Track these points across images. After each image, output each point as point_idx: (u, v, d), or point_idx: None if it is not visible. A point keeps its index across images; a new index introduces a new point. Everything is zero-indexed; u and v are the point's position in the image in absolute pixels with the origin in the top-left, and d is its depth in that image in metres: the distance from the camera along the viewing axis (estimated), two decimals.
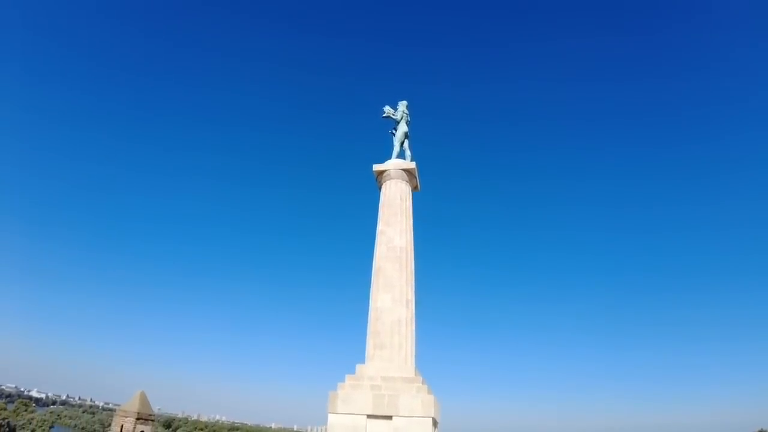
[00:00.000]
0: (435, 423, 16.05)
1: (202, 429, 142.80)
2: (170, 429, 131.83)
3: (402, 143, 21.08)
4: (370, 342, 17.39)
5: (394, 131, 21.39)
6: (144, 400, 26.39)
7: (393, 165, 20.20)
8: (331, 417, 15.74)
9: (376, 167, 20.44)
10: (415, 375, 16.53)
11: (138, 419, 25.45)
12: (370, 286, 18.49)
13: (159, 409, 31.60)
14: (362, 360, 17.63)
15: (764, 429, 46.70)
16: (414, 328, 17.80)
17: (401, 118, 21.36)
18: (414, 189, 20.91)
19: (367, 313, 18.08)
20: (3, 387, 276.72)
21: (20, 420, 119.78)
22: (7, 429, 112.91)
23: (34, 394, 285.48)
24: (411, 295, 18.13)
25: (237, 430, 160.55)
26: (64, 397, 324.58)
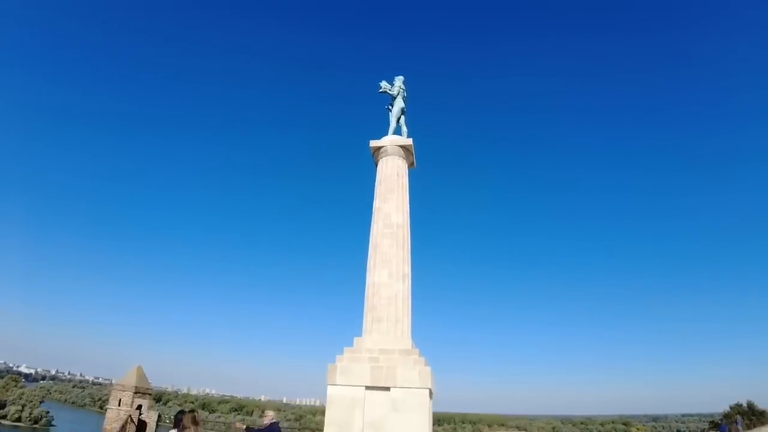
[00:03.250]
0: (431, 394, 16.53)
1: (192, 402, 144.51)
2: (160, 402, 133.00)
3: (398, 119, 20.98)
4: (367, 316, 17.66)
5: (390, 107, 21.25)
6: (141, 375, 26.58)
7: (390, 141, 20.15)
8: (330, 389, 16.06)
9: (373, 143, 20.37)
10: (412, 348, 16.90)
11: (136, 393, 25.69)
12: (366, 263, 18.68)
13: (150, 383, 32.31)
14: (357, 335, 17.91)
15: (740, 403, 48.46)
16: (410, 302, 18.12)
17: (398, 94, 21.19)
18: (410, 166, 20.93)
19: (365, 289, 18.32)
20: None
21: (10, 396, 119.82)
22: None
23: (23, 369, 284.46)
24: (407, 271, 18.38)
25: (226, 402, 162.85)
26: (53, 372, 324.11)
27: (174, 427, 8.68)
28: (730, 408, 48.48)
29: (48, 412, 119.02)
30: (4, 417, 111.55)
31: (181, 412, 9.15)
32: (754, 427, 40.93)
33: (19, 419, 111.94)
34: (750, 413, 45.66)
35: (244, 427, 11.24)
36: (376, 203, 19.37)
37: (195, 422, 7.57)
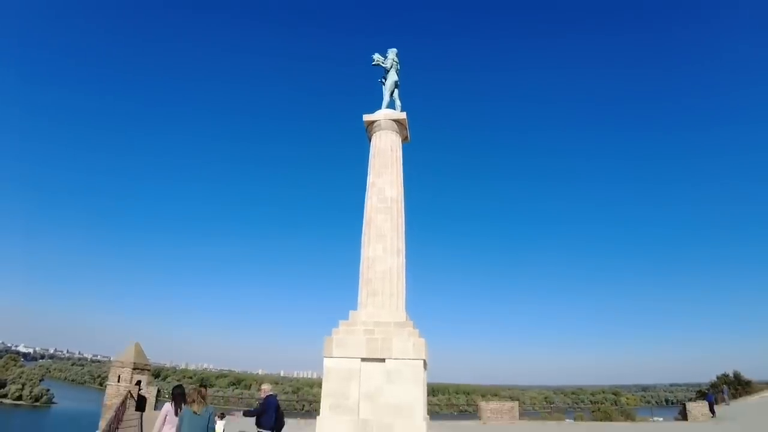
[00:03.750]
0: (425, 364, 16.83)
1: (190, 377, 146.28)
2: (159, 378, 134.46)
3: (392, 93, 20.66)
4: (362, 290, 17.79)
5: (383, 80, 20.91)
6: (139, 351, 26.85)
7: (383, 115, 19.92)
8: (326, 361, 16.29)
9: (367, 118, 20.12)
10: (406, 320, 17.12)
11: (134, 369, 25.98)
12: (361, 237, 18.72)
13: (148, 359, 32.43)
14: (352, 308, 18.06)
15: (726, 373, 49.47)
16: (405, 276, 18.27)
17: (391, 67, 20.83)
18: (404, 140, 20.76)
19: (359, 264, 18.42)
20: None
21: (9, 375, 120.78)
22: None
23: (21, 349, 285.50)
24: (402, 245, 18.46)
25: (225, 377, 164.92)
26: (51, 351, 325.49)
27: (172, 401, 8.76)
28: (717, 378, 49.39)
29: (48, 390, 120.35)
30: (4, 396, 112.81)
31: (178, 387, 9.26)
32: (740, 396, 41.96)
33: (19, 398, 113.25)
34: (736, 383, 46.67)
35: (241, 413, 11.26)
36: (370, 178, 19.30)
37: (202, 396, 7.67)
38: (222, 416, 12.43)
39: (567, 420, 31.49)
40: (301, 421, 22.20)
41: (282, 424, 10.77)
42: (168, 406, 8.51)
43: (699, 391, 49.91)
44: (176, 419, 8.01)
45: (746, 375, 48.58)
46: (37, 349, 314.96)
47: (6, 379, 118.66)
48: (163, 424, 8.24)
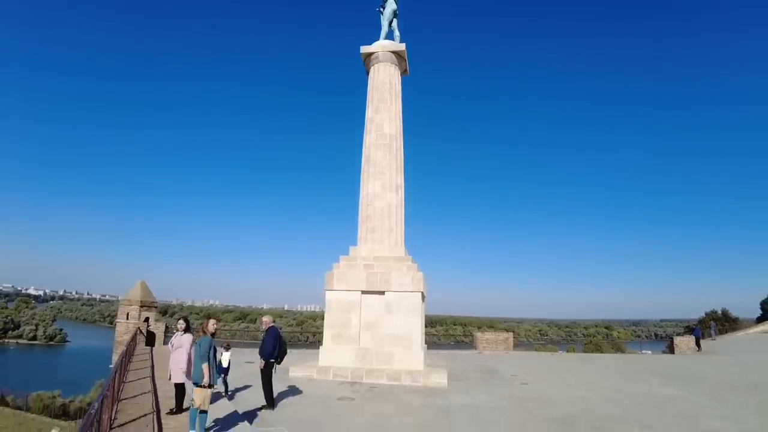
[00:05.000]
0: (423, 297, 17.29)
1: (197, 313, 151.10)
2: (166, 315, 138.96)
3: (390, 22, 19.64)
4: (362, 226, 17.94)
5: (381, 9, 19.82)
6: (145, 289, 27.55)
7: (381, 47, 19.11)
8: (328, 294, 16.74)
9: (364, 49, 19.30)
10: (405, 255, 17.42)
11: (142, 307, 26.78)
12: (360, 174, 18.59)
13: (154, 296, 33.63)
14: (352, 244, 18.29)
15: (715, 310, 50.88)
16: (403, 212, 18.34)
17: None
18: (403, 73, 20.05)
19: (359, 201, 18.44)
20: (0, 288, 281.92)
21: (22, 317, 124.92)
22: (12, 325, 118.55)
23: (32, 291, 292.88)
24: (400, 182, 18.38)
25: (230, 312, 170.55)
26: (61, 293, 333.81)
27: (186, 331, 9.23)
28: (706, 315, 50.99)
29: (62, 330, 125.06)
30: (19, 336, 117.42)
31: (185, 318, 9.73)
32: (726, 332, 43.47)
33: (34, 338, 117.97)
34: (724, 319, 48.30)
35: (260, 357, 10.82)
36: (369, 113, 18.85)
37: (203, 327, 8.36)
38: (228, 347, 12.91)
39: (560, 351, 32.85)
40: (306, 351, 23.14)
41: (284, 352, 11.14)
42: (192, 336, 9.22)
43: (687, 327, 51.63)
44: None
45: (734, 313, 50.25)
46: (47, 291, 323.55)
47: (19, 321, 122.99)
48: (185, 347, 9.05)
